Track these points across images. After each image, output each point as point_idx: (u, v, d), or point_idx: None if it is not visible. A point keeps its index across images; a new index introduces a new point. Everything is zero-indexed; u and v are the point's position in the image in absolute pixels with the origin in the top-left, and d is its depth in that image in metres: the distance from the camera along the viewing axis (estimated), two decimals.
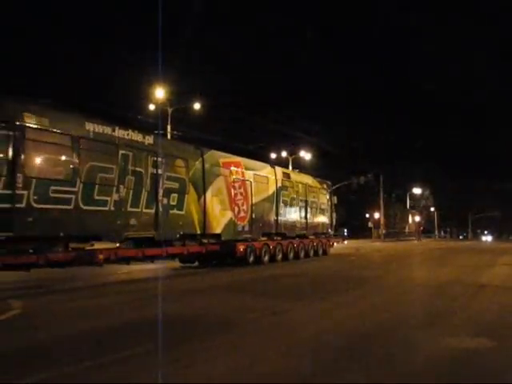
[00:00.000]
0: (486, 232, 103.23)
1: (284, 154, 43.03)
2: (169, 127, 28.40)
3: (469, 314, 7.80)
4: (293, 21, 75.84)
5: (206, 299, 9.41)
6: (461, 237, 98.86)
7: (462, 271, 15.35)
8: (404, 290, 11.02)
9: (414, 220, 79.33)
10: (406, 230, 79.92)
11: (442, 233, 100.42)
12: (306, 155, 44.15)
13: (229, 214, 16.03)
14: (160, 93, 27.24)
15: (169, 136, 26.90)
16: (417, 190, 76.30)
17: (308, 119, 67.87)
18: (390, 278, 13.68)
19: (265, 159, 29.76)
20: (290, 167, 37.70)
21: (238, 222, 16.54)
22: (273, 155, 41.87)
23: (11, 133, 9.62)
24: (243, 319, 7.22)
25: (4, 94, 10.36)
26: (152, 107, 28.06)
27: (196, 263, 16.80)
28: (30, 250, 10.20)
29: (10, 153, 9.59)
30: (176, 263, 16.25)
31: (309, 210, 21.95)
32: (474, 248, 37.58)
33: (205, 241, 15.11)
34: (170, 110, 28.53)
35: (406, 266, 19.13)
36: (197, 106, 29.38)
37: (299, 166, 40.32)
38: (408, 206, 76.64)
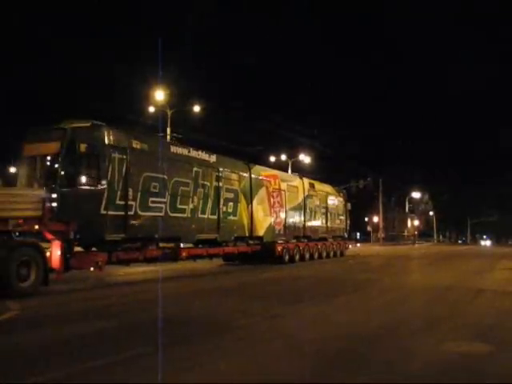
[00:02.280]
0: (484, 236, 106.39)
1: (283, 157, 44.23)
2: (168, 130, 29.51)
3: (467, 319, 8.16)
4: (292, 21, 79.10)
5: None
6: (460, 241, 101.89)
7: (460, 275, 16.61)
8: (404, 293, 11.82)
9: (412, 224, 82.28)
10: (405, 233, 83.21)
11: (441, 237, 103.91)
12: (305, 159, 45.94)
13: (269, 220, 19.76)
14: (160, 95, 28.07)
15: (168, 138, 27.89)
16: (416, 194, 78.12)
17: (308, 122, 71.06)
18: (390, 281, 14.60)
19: (262, 162, 28.87)
20: (290, 171, 39.72)
21: (276, 227, 20.31)
22: (272, 158, 42.95)
23: (124, 156, 12.91)
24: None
25: (116, 125, 13.60)
26: (152, 109, 29.10)
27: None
28: (134, 248, 13.56)
29: (124, 172, 12.85)
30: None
31: (328, 215, 25.90)
32: (472, 252, 38.96)
33: (251, 242, 18.68)
34: (169, 113, 29.57)
35: (406, 269, 21.22)
36: (196, 108, 30.31)
37: (298, 169, 41.89)
38: (407, 210, 79.26)
